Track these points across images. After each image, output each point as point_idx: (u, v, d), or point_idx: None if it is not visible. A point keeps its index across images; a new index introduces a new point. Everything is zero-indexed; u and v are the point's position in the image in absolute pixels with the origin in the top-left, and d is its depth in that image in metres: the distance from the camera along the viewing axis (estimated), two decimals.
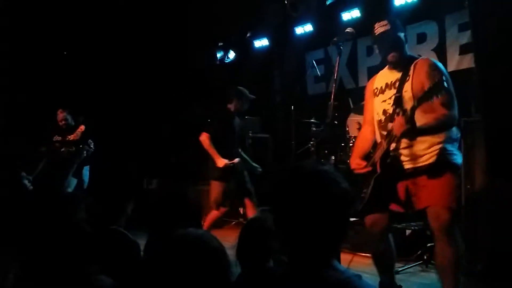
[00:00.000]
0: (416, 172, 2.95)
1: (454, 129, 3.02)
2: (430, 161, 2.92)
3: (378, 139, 3.15)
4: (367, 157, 3.24)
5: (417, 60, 3.00)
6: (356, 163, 3.21)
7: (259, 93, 7.74)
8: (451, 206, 2.84)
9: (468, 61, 5.35)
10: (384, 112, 3.10)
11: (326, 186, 1.36)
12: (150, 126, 7.85)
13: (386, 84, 3.12)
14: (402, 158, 2.98)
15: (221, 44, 8.28)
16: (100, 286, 1.80)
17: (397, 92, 3.00)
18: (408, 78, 2.97)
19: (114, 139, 7.13)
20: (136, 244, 2.36)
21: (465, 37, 5.39)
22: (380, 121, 3.14)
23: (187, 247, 1.36)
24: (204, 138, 5.02)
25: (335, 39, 2.96)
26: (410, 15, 5.89)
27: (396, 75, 3.06)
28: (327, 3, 6.36)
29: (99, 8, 6.91)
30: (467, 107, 4.57)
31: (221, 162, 4.96)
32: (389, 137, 2.97)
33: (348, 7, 6.37)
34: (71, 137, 5.93)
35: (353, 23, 6.16)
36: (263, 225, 2.09)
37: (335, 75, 2.85)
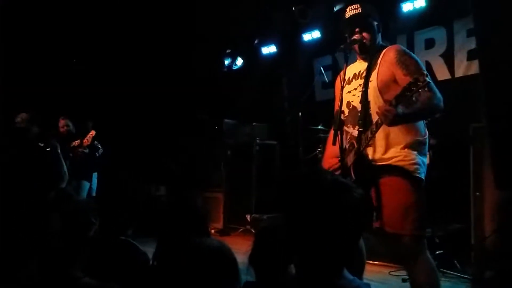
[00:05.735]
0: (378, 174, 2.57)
1: (423, 128, 2.65)
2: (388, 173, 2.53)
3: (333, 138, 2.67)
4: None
5: (385, 48, 2.74)
6: (329, 162, 2.84)
7: (267, 99, 7.82)
8: (413, 233, 2.50)
9: (476, 67, 5.33)
10: (348, 104, 2.80)
11: (341, 196, 1.35)
12: (157, 132, 7.88)
13: (354, 74, 2.85)
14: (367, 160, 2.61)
15: (229, 51, 8.32)
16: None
17: (363, 86, 2.70)
18: (375, 66, 2.70)
19: (121, 146, 7.16)
20: (145, 255, 2.36)
21: (473, 43, 5.37)
22: (343, 113, 2.80)
23: (206, 258, 1.40)
24: None
25: (342, 46, 2.91)
26: (419, 21, 5.92)
27: (364, 65, 2.81)
28: (335, 9, 6.37)
29: (106, 14, 6.95)
30: (476, 113, 4.55)
31: None
32: (362, 138, 2.59)
33: None
34: (76, 143, 5.90)
35: None
36: (277, 233, 2.07)
37: (342, 83, 2.81)
